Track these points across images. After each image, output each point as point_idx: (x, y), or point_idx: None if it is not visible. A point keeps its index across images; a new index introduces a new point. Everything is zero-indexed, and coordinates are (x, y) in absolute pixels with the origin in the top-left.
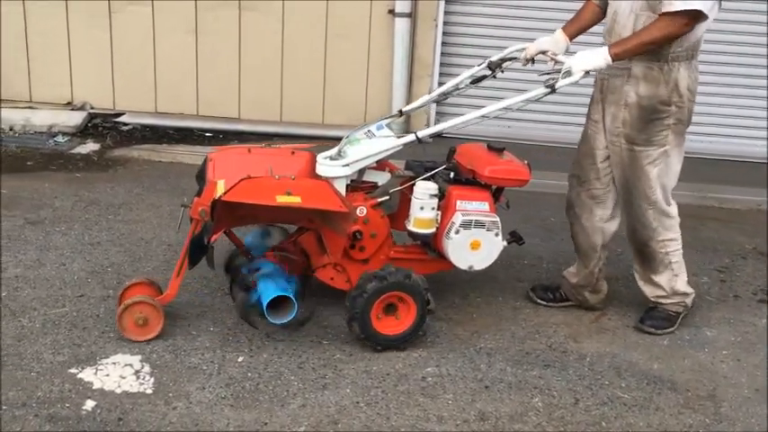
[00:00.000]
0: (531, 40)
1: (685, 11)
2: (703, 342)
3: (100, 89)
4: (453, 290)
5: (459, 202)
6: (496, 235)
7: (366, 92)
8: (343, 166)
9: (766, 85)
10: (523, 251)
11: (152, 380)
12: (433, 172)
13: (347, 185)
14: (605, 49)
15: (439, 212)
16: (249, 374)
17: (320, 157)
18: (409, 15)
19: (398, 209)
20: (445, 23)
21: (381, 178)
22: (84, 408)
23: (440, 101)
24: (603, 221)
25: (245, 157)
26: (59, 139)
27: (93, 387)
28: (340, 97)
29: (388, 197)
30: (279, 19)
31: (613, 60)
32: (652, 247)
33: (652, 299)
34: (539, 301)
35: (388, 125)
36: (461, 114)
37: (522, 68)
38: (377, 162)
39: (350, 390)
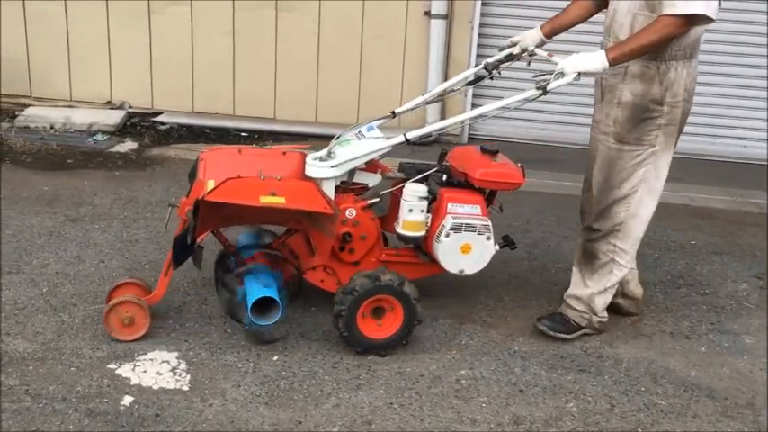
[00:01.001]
0: (567, 41)
1: (686, 14)
2: (742, 350)
3: (138, 89)
4: (487, 293)
5: (450, 205)
6: (488, 239)
7: (401, 93)
8: (332, 167)
9: None
10: (558, 256)
11: (188, 377)
12: (424, 174)
13: (338, 187)
14: (603, 53)
15: (429, 215)
16: (284, 373)
17: (309, 159)
18: (445, 17)
19: (390, 211)
20: (481, 25)
21: (373, 180)
22: (122, 403)
23: (434, 102)
24: None
25: (236, 158)
26: (99, 137)
27: (131, 383)
28: (375, 98)
29: (378, 199)
30: (315, 20)
31: (611, 65)
32: (599, 246)
33: (566, 297)
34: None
35: (379, 126)
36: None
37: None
38: (366, 163)
39: (383, 390)
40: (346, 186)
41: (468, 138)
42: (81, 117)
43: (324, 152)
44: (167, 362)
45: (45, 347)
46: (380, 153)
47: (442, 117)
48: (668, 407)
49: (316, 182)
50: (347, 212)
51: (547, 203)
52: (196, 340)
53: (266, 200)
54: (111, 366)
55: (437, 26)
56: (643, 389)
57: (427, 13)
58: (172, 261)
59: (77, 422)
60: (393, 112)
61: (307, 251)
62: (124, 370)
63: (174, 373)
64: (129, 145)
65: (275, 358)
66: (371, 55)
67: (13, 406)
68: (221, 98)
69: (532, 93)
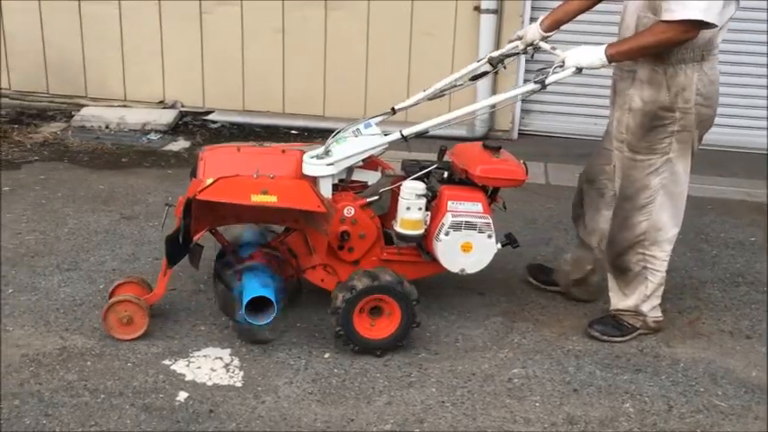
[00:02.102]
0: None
1: (682, 20)
2: None
3: (190, 88)
4: (539, 291)
5: (450, 203)
6: (489, 237)
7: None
8: (328, 164)
9: None
10: None
11: (241, 373)
12: (424, 171)
13: (337, 185)
14: (602, 48)
15: (428, 213)
16: (335, 371)
17: (306, 157)
18: (495, 12)
19: (390, 209)
20: (532, 19)
21: (372, 178)
22: (177, 399)
23: (436, 97)
24: (605, 223)
25: (235, 156)
26: (152, 136)
27: (186, 379)
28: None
29: (377, 197)
30: (364, 17)
31: (609, 61)
32: (629, 258)
33: (612, 310)
34: (531, 280)
35: (377, 123)
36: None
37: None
38: (363, 161)
39: (435, 389)
40: (345, 184)
41: (519, 133)
42: (135, 116)
43: (321, 150)
44: (220, 358)
45: (102, 343)
46: (377, 150)
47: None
48: (728, 408)
49: (312, 180)
50: (345, 211)
51: None
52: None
53: (258, 198)
54: (166, 362)
55: (487, 21)
56: (702, 389)
57: (477, 9)
58: (166, 260)
59: (134, 417)
60: (393, 109)
61: (305, 250)
62: (179, 366)
63: (228, 370)
64: (181, 144)
65: (326, 356)
66: (420, 52)
67: (73, 401)
68: (271, 96)
69: (531, 87)
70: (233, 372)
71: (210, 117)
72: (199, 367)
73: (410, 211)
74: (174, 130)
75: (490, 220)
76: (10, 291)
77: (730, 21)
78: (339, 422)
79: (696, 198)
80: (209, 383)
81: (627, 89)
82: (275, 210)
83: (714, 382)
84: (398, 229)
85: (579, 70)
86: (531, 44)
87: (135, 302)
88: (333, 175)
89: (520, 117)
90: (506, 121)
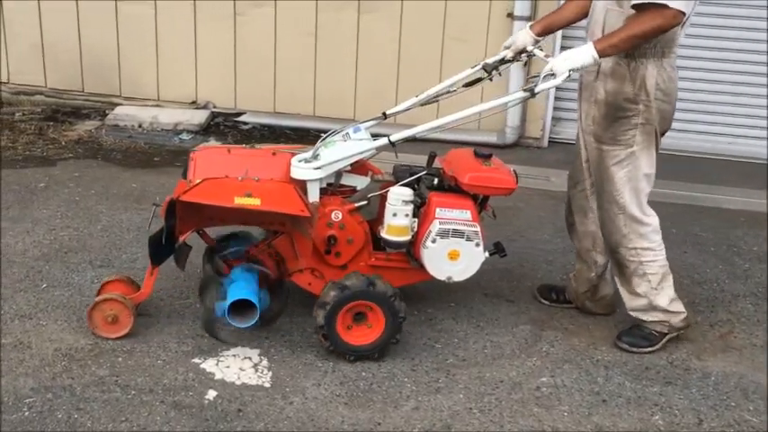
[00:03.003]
0: None
1: (661, 4)
2: None
3: (222, 89)
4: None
5: (438, 210)
6: (477, 245)
7: (481, 96)
8: (315, 168)
9: None
10: None
11: (270, 374)
12: (413, 177)
13: (326, 189)
14: (591, 45)
15: (415, 220)
16: (363, 374)
17: (294, 160)
18: (528, 19)
19: (379, 215)
20: (565, 27)
21: (361, 183)
22: (206, 397)
23: (428, 103)
24: (594, 225)
25: (225, 158)
26: (184, 136)
27: (215, 378)
28: (454, 101)
29: (366, 202)
30: (397, 21)
31: (600, 57)
32: (622, 254)
33: (632, 313)
34: (542, 300)
35: (367, 128)
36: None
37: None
38: (352, 165)
39: (463, 395)
40: (334, 188)
41: (549, 141)
42: (167, 116)
43: (309, 153)
44: (249, 358)
45: (133, 340)
46: (365, 155)
47: (523, 118)
48: (760, 424)
49: (297, 184)
50: (333, 215)
51: None
52: (277, 338)
53: (241, 201)
54: (196, 361)
55: (520, 28)
56: (733, 404)
57: (510, 15)
58: (150, 260)
59: (164, 414)
60: (384, 114)
61: (293, 253)
62: (208, 365)
63: (256, 370)
64: (212, 144)
65: (354, 359)
66: (452, 56)
67: (104, 396)
68: (302, 98)
69: (519, 95)
70: (261, 372)
71: (242, 118)
72: (228, 366)
73: (396, 217)
74: (206, 130)
75: (478, 228)
76: (44, 286)
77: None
78: (366, 425)
79: (728, 210)
80: (238, 383)
81: (593, 82)
82: (261, 212)
83: (745, 397)
84: (384, 235)
85: (570, 74)
86: (523, 51)
87: (121, 301)
88: (321, 179)
89: (551, 125)
90: (537, 129)
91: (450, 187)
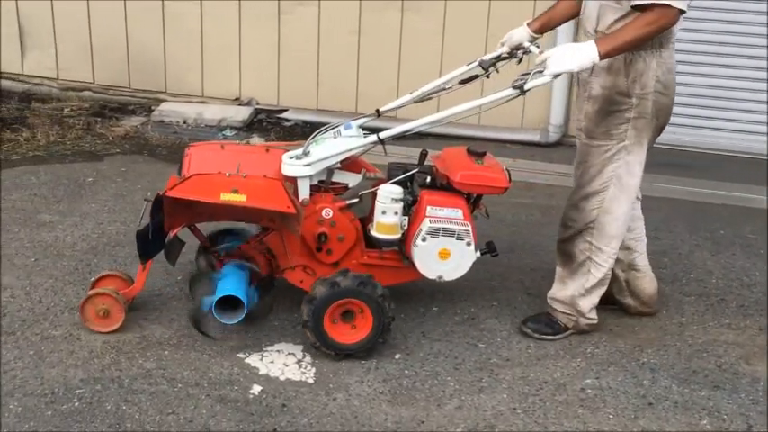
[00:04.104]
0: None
1: (665, 3)
2: None
3: (266, 86)
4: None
5: (429, 208)
6: (468, 245)
7: (524, 96)
8: (305, 165)
9: None
10: (690, 265)
11: (313, 369)
12: (405, 175)
13: (318, 186)
14: (592, 46)
15: (405, 218)
16: (406, 372)
17: (285, 157)
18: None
19: (371, 213)
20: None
21: (354, 180)
22: (251, 392)
23: (423, 100)
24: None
25: (218, 154)
26: (228, 132)
27: (260, 372)
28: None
29: (357, 200)
30: (440, 20)
31: (601, 59)
32: (576, 245)
33: (549, 300)
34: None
35: (360, 126)
36: None
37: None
38: (342, 162)
39: (506, 395)
40: (326, 186)
41: None
42: (212, 113)
43: (300, 150)
44: (293, 354)
45: (180, 333)
46: (354, 152)
47: (567, 116)
48: None
49: (285, 180)
50: (323, 212)
51: (677, 210)
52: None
53: (227, 197)
54: (241, 355)
55: (563, 28)
56: None
57: None
58: (139, 255)
59: (209, 407)
60: (377, 111)
61: (284, 250)
62: (252, 360)
63: (300, 366)
64: (255, 140)
65: (397, 356)
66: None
67: (151, 388)
68: (345, 96)
69: (509, 92)
70: (305, 368)
71: (284, 115)
72: (272, 362)
73: (386, 215)
74: (249, 127)
75: (470, 227)
76: (93, 279)
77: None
78: (409, 423)
79: None
80: (282, 378)
81: (587, 78)
82: (249, 209)
83: None
84: (374, 233)
85: (557, 75)
86: (519, 47)
87: (112, 296)
88: (311, 176)
89: None
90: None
91: (443, 185)
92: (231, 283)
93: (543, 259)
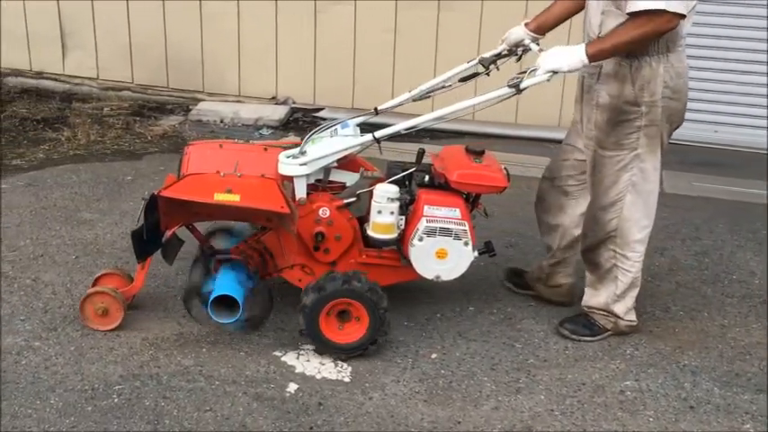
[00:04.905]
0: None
1: (658, 9)
2: None
3: (302, 85)
4: (653, 302)
5: (426, 208)
6: (466, 244)
7: (562, 94)
8: (301, 164)
9: None
10: (732, 266)
11: (349, 369)
12: (402, 174)
13: (316, 185)
14: (582, 48)
15: (403, 217)
16: (442, 372)
17: (282, 156)
18: None
19: (368, 212)
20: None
21: (351, 179)
22: (287, 390)
23: (422, 99)
24: (572, 221)
25: (217, 152)
26: (264, 131)
27: (296, 371)
28: (534, 98)
29: (355, 199)
30: (476, 19)
31: (590, 61)
32: (600, 254)
33: (585, 308)
34: (506, 283)
35: (357, 125)
36: None
37: None
38: (338, 161)
39: (544, 396)
40: (324, 185)
41: None
42: (248, 112)
43: (296, 150)
44: None
45: (217, 331)
46: (349, 152)
47: None
48: None
49: (280, 179)
50: (320, 211)
51: (718, 210)
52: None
53: (221, 197)
54: (277, 353)
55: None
56: None
57: None
58: (135, 254)
59: (246, 405)
60: (375, 109)
61: (282, 250)
62: (289, 358)
63: (336, 365)
64: (291, 139)
65: (433, 356)
66: (532, 54)
67: (189, 385)
68: (380, 95)
69: (504, 91)
70: (341, 367)
71: (320, 114)
72: (308, 360)
73: (381, 214)
74: (285, 125)
75: (467, 227)
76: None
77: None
78: (446, 423)
79: None
80: (318, 377)
81: (593, 84)
82: (243, 208)
83: None
84: (370, 232)
85: (554, 74)
86: (518, 45)
87: (111, 294)
88: (308, 175)
89: None
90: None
91: (440, 185)
92: (227, 282)
93: (580, 259)
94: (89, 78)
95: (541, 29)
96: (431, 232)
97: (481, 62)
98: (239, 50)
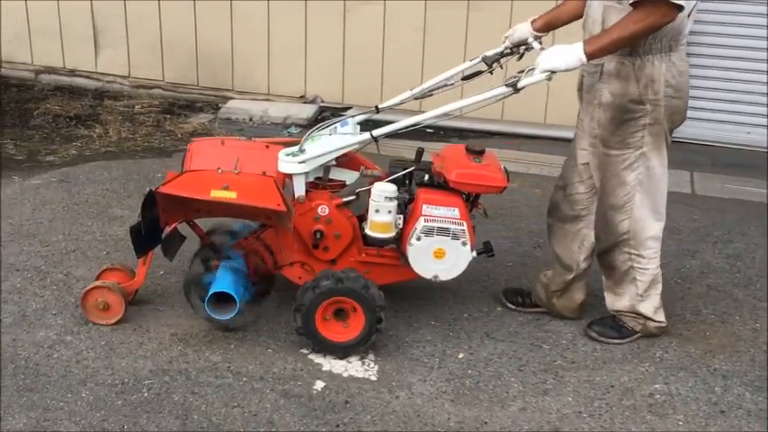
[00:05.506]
0: None
1: (654, 2)
2: None
3: (330, 84)
4: (684, 305)
5: (424, 207)
6: (464, 244)
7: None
8: (300, 162)
9: None
10: (765, 269)
11: (376, 367)
12: (402, 173)
13: (316, 183)
14: (580, 47)
15: (401, 216)
16: (469, 371)
17: (281, 154)
18: None
19: (366, 211)
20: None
21: (351, 177)
22: (314, 387)
23: (424, 97)
24: (587, 229)
25: (218, 149)
26: (292, 130)
27: (323, 369)
28: (563, 98)
29: (354, 197)
30: (506, 18)
31: (588, 59)
32: (615, 257)
33: (611, 311)
34: (508, 304)
35: (358, 123)
36: None
37: None
38: (337, 160)
39: (572, 398)
40: (324, 183)
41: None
42: (277, 110)
43: (296, 147)
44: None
45: (244, 328)
46: (347, 150)
47: None
48: None
49: (280, 177)
50: (319, 209)
51: (750, 212)
52: (383, 332)
53: (217, 194)
54: (304, 351)
55: None
56: None
57: None
58: (134, 250)
59: (273, 402)
60: (377, 107)
61: (281, 247)
62: (315, 356)
63: (363, 363)
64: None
65: (460, 356)
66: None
67: (217, 381)
68: None
69: (502, 90)
70: (368, 365)
71: (349, 113)
72: (335, 358)
73: (379, 213)
74: (314, 124)
75: (466, 227)
76: (161, 273)
77: None
78: (472, 424)
79: None
80: (345, 375)
81: (595, 83)
82: (241, 205)
83: None
84: (368, 231)
85: (552, 73)
86: (522, 43)
87: (112, 289)
88: (307, 173)
89: None
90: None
91: (440, 184)
92: (225, 279)
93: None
94: (121, 76)
95: (547, 27)
96: (429, 232)
97: (484, 60)
98: (269, 49)
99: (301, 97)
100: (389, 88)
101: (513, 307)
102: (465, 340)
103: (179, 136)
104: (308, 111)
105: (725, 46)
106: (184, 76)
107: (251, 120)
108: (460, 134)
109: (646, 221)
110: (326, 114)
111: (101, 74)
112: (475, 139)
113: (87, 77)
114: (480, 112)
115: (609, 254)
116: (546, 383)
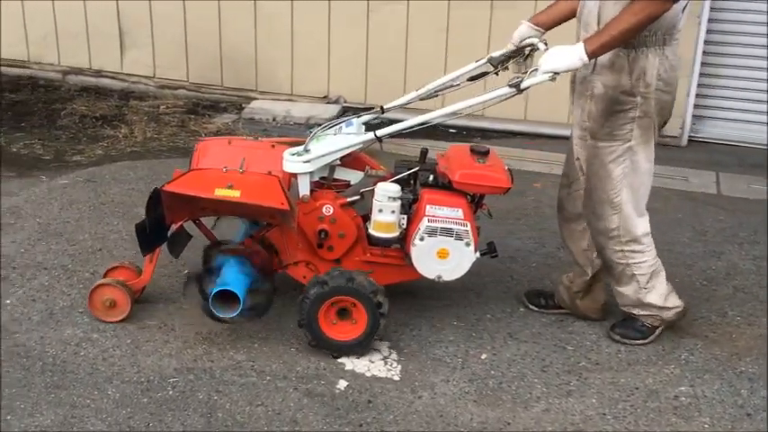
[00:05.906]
0: None
1: None
2: None
3: (353, 84)
4: (710, 306)
5: (428, 207)
6: (467, 245)
7: None
8: (305, 162)
9: None
10: None
11: (399, 367)
12: (407, 173)
13: (321, 183)
14: (581, 46)
15: (404, 216)
16: (492, 372)
17: (286, 153)
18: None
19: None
20: (710, 20)
21: (355, 177)
22: (337, 387)
23: (430, 98)
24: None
25: (225, 149)
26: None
27: (346, 368)
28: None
29: (359, 197)
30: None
31: (590, 58)
32: (609, 255)
33: (623, 308)
34: (531, 306)
35: (364, 122)
36: None
37: None
38: (341, 159)
39: (596, 400)
40: (328, 182)
41: (689, 140)
42: (300, 110)
43: (301, 147)
44: (379, 351)
45: (268, 327)
46: (351, 149)
47: None
48: None
49: (286, 177)
50: (324, 209)
51: None
52: (406, 332)
53: (221, 193)
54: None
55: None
56: None
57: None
58: (140, 247)
59: (297, 401)
60: (382, 108)
61: (286, 246)
62: None
63: (386, 363)
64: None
65: (483, 356)
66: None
67: (241, 380)
68: None
69: (505, 91)
70: (391, 365)
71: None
72: (358, 358)
73: (382, 213)
74: None
75: (469, 227)
76: (186, 272)
77: None
78: (495, 424)
79: None
80: (368, 374)
81: (588, 75)
82: (245, 204)
83: None
84: (371, 230)
85: (555, 74)
86: (525, 42)
87: (118, 287)
88: (311, 173)
89: (691, 123)
90: (675, 127)
91: (444, 184)
92: (230, 277)
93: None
94: (146, 77)
95: (545, 26)
96: (432, 232)
97: (490, 61)
98: (292, 50)
99: (324, 97)
100: (412, 88)
101: (536, 309)
102: (488, 341)
103: (203, 136)
104: (330, 111)
105: (754, 45)
106: (209, 76)
107: (274, 120)
108: (483, 134)
109: (634, 218)
110: (349, 114)
111: (126, 74)
112: (497, 139)
113: (113, 78)
114: (503, 112)
115: (603, 252)
116: (569, 385)
